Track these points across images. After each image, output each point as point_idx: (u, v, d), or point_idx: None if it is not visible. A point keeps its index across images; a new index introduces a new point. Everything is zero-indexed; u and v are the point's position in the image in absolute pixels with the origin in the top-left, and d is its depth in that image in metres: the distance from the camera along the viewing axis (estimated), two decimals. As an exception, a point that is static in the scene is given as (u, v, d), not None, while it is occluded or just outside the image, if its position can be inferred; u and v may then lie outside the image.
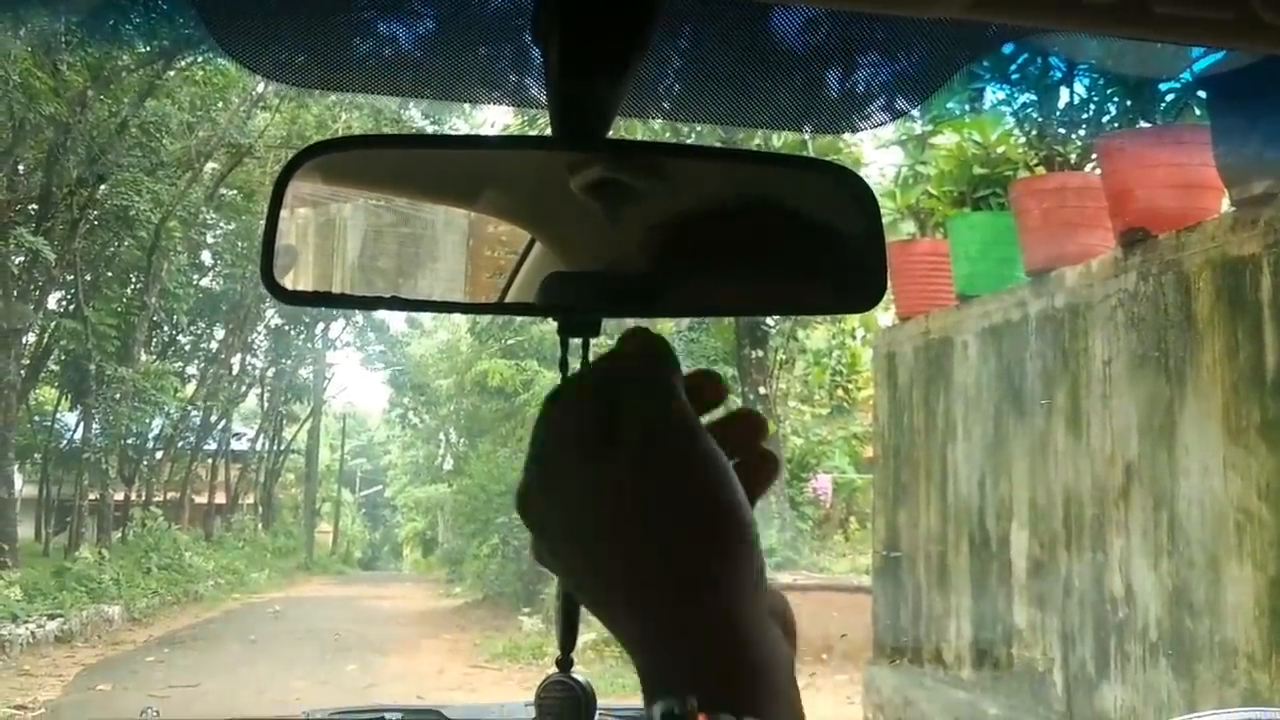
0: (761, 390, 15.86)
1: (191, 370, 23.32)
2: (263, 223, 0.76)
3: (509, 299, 0.82)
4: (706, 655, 0.59)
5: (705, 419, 0.68)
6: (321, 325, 28.54)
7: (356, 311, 27.14)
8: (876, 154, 14.96)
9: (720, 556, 0.62)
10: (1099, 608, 4.92)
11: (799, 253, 0.80)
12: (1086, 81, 5.61)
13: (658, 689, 0.59)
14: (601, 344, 0.78)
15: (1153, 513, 4.58)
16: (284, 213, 0.75)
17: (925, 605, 6.58)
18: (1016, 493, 5.64)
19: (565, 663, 0.79)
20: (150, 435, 20.52)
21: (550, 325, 0.77)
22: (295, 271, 0.78)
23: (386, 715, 2.00)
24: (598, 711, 0.72)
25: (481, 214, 0.83)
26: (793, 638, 0.65)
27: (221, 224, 21.09)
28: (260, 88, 17.25)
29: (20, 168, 14.89)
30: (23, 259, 14.65)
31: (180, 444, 22.71)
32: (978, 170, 6.63)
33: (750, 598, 0.62)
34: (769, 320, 15.70)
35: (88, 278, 16.85)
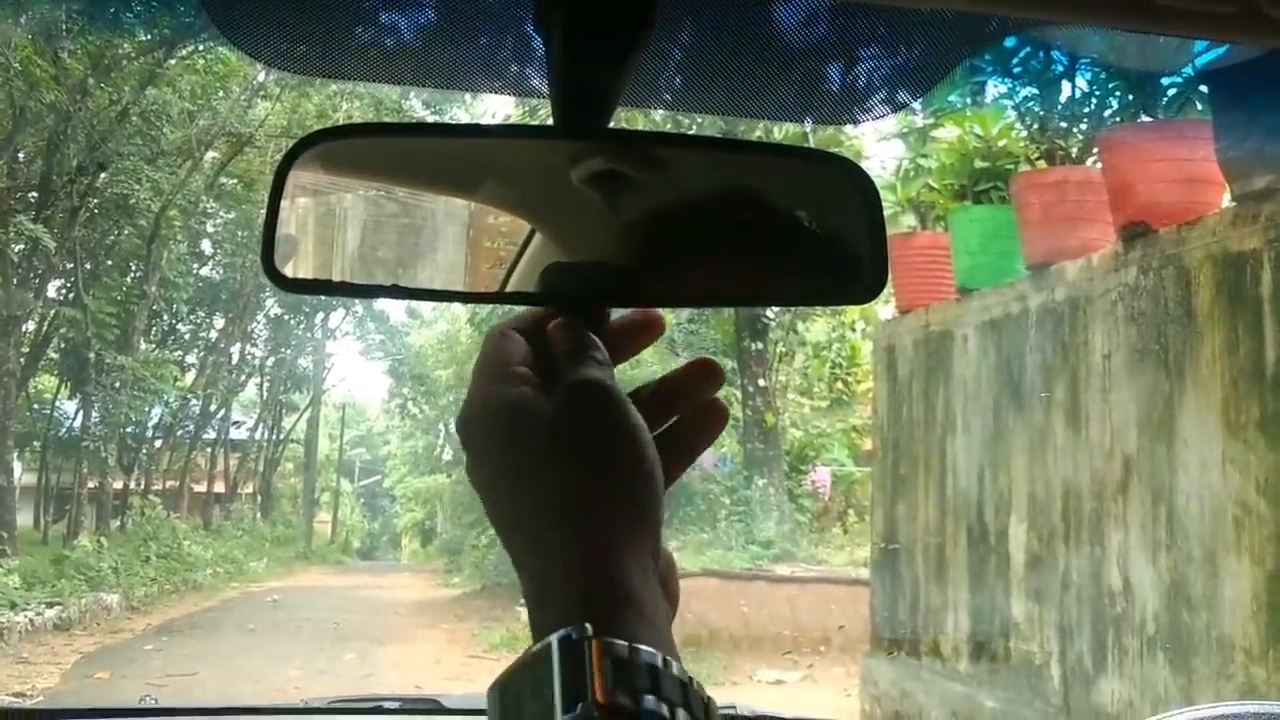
0: (761, 382, 15.88)
1: (191, 359, 23.30)
2: (263, 211, 0.76)
3: (509, 289, 0.82)
4: (589, 591, 0.63)
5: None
6: (321, 315, 28.51)
7: (356, 301, 27.16)
8: (878, 147, 14.98)
9: (613, 509, 0.67)
10: (1097, 601, 4.92)
11: (800, 244, 0.80)
12: (1088, 75, 5.60)
13: (544, 621, 0.63)
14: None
15: (1151, 507, 4.59)
16: (284, 201, 0.75)
17: (923, 598, 6.59)
18: (1015, 486, 5.64)
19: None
20: (149, 424, 20.51)
21: None
22: (295, 260, 0.78)
23: (384, 704, 2.01)
24: None
25: (482, 203, 0.83)
26: (673, 599, 0.69)
27: (221, 213, 21.04)
28: (261, 77, 17.23)
29: (20, 155, 14.87)
30: (23, 247, 14.63)
31: (179, 433, 22.70)
32: (979, 164, 6.62)
33: (638, 551, 0.66)
34: (769, 312, 15.70)
35: (87, 266, 16.84)
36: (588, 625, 0.60)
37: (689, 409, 0.75)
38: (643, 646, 0.60)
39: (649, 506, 0.67)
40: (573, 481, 0.67)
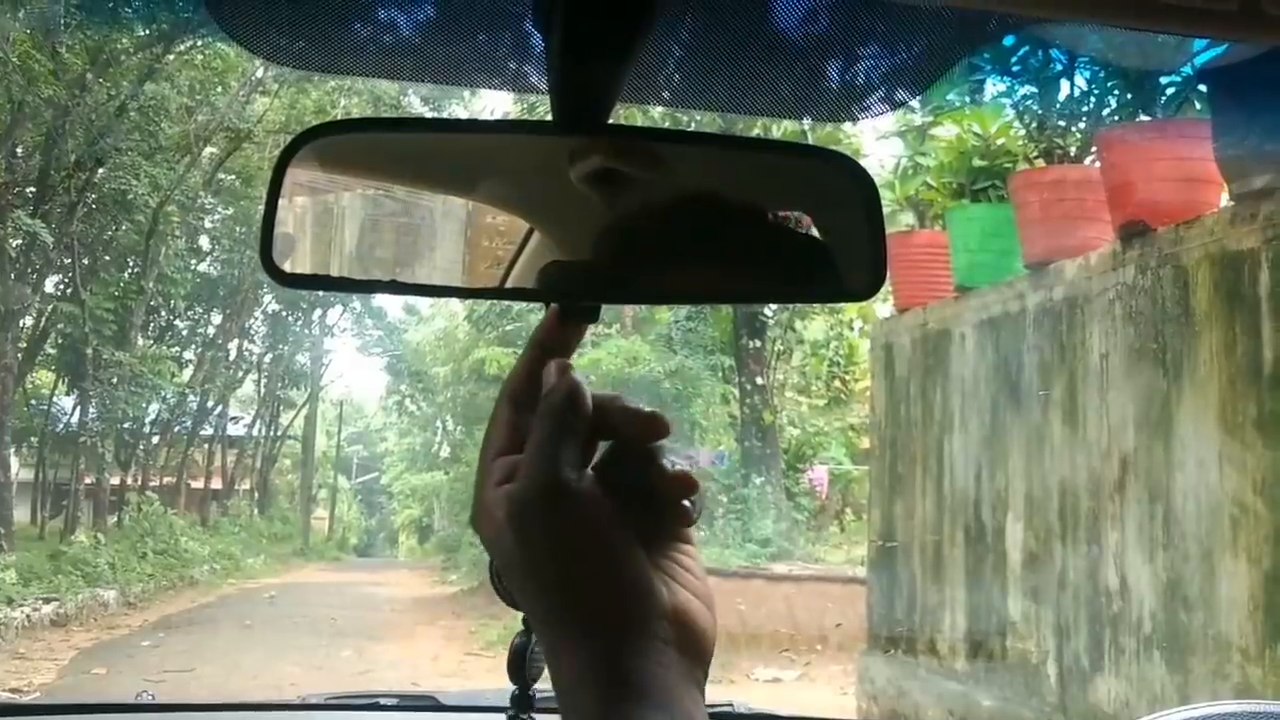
0: (759, 381, 15.88)
1: (189, 355, 23.26)
2: (261, 207, 0.76)
3: (508, 285, 0.82)
4: (600, 694, 0.68)
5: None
6: (319, 311, 28.49)
7: (354, 297, 27.15)
8: (876, 145, 15.00)
9: (599, 610, 0.71)
10: (1093, 600, 4.93)
11: (799, 241, 0.80)
12: (1087, 74, 5.60)
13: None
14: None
15: (1148, 506, 4.59)
16: (283, 195, 0.75)
17: (920, 596, 6.59)
18: (1012, 485, 5.65)
19: (523, 702, 0.84)
20: (147, 420, 20.47)
21: None
22: (294, 254, 0.78)
23: (382, 701, 2.01)
24: None
25: (481, 198, 0.83)
26: (698, 655, 0.72)
27: (220, 209, 21.03)
28: (259, 72, 17.23)
29: (19, 150, 14.85)
30: (20, 242, 14.61)
31: (177, 429, 22.67)
32: (977, 162, 6.63)
33: (636, 639, 0.70)
34: (767, 310, 15.70)
35: (85, 261, 16.81)
36: None
37: (659, 481, 0.75)
38: None
39: (631, 596, 0.71)
40: (554, 595, 0.72)
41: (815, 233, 0.80)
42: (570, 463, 0.72)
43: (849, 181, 0.78)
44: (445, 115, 17.78)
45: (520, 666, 0.86)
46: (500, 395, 0.77)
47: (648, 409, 0.76)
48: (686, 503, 0.75)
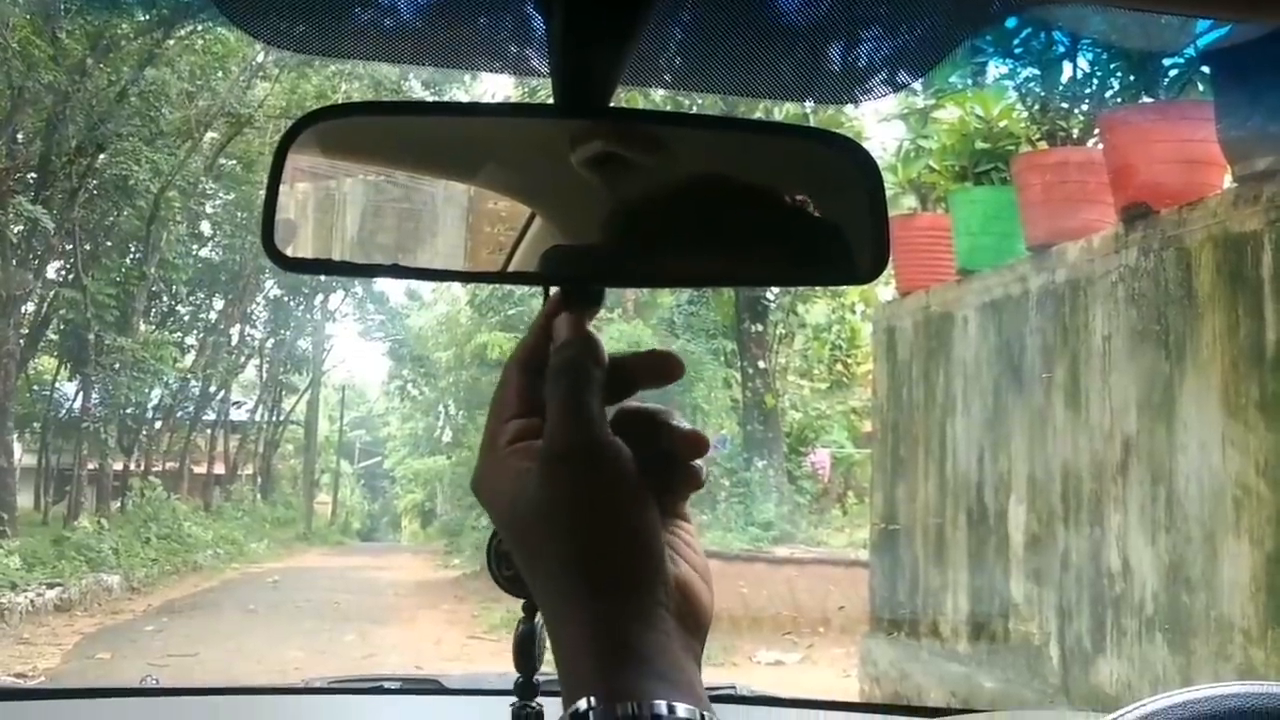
0: (761, 364, 15.87)
1: (190, 341, 23.21)
2: (262, 192, 0.76)
3: (510, 269, 0.81)
4: (599, 659, 0.67)
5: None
6: (321, 297, 28.43)
7: (356, 281, 27.13)
8: (878, 128, 14.95)
9: (610, 573, 0.69)
10: (1096, 582, 4.93)
11: (801, 224, 0.80)
12: (1090, 56, 5.59)
13: (568, 689, 0.68)
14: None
15: (1150, 488, 4.59)
16: (284, 179, 0.75)
17: (922, 579, 6.60)
18: (1015, 467, 5.65)
19: (532, 608, 0.83)
20: (149, 405, 20.46)
21: None
22: (296, 238, 0.78)
23: (385, 684, 2.01)
24: None
25: (482, 181, 0.82)
26: (700, 619, 0.72)
27: (221, 194, 20.97)
28: (260, 57, 17.18)
29: (19, 136, 14.82)
30: (22, 228, 14.60)
31: (179, 414, 22.67)
32: (980, 145, 6.61)
33: (641, 607, 0.69)
34: (769, 294, 15.69)
35: (87, 247, 16.78)
36: (591, 698, 0.65)
37: (671, 440, 0.74)
38: (658, 701, 0.65)
39: (644, 559, 0.70)
40: (568, 555, 0.70)
41: (818, 215, 0.80)
42: (602, 417, 0.71)
43: (851, 164, 0.78)
44: (446, 99, 17.73)
45: (527, 654, 0.86)
46: (509, 361, 0.77)
47: (661, 350, 0.76)
48: (698, 463, 0.74)
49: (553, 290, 0.77)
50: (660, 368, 0.75)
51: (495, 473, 0.73)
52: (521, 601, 0.81)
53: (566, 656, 0.69)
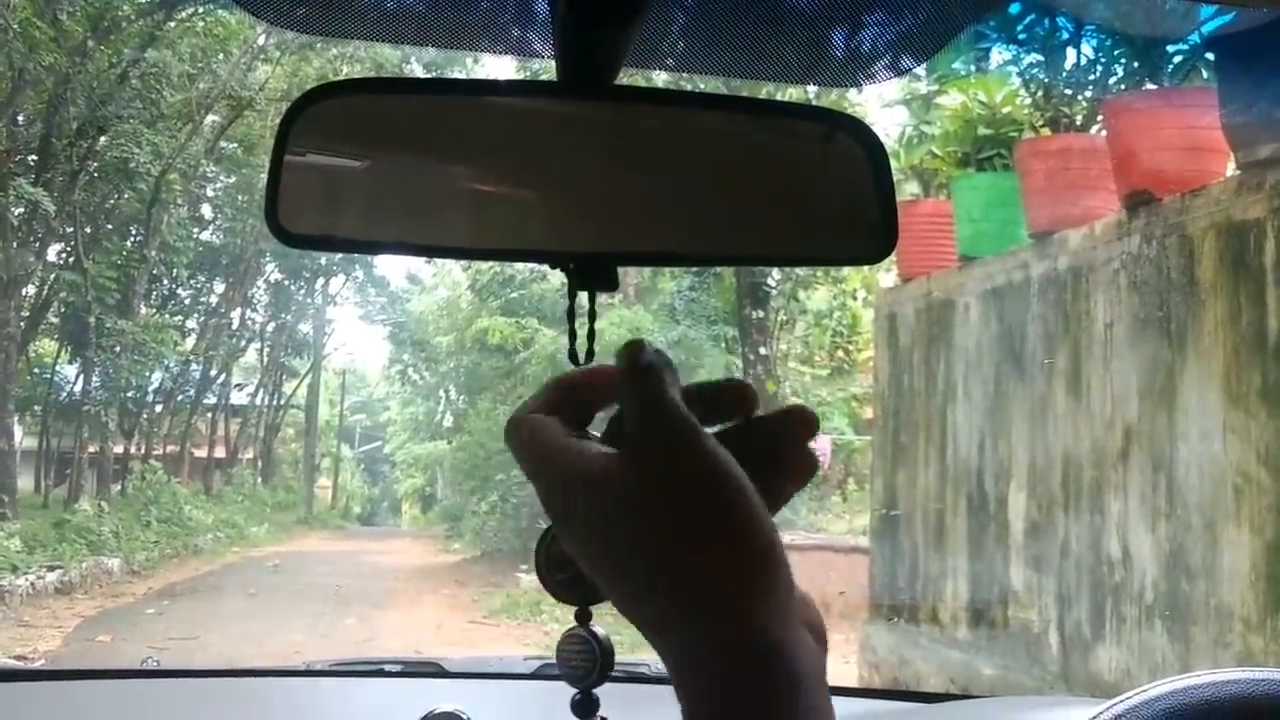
0: (762, 351, 15.87)
1: (191, 324, 23.26)
2: (264, 175, 0.76)
3: (513, 246, 0.81)
4: (740, 676, 0.57)
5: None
6: (322, 280, 28.45)
7: (356, 264, 27.13)
8: (881, 113, 14.90)
9: (739, 574, 0.59)
10: (1095, 570, 4.94)
11: (809, 203, 0.80)
12: (1093, 42, 5.58)
13: (701, 691, 0.58)
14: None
15: (1151, 476, 4.59)
16: (288, 156, 0.75)
17: (922, 565, 6.61)
18: (1015, 454, 5.65)
19: (584, 616, 0.76)
20: (150, 388, 20.50)
21: (552, 284, 0.77)
22: (300, 215, 0.77)
23: (386, 668, 2.02)
24: (616, 666, 0.72)
25: (486, 159, 0.82)
26: (824, 644, 0.62)
27: (222, 177, 20.99)
28: (261, 40, 17.17)
29: (20, 118, 14.81)
30: (22, 210, 14.59)
31: (180, 397, 22.70)
32: (982, 131, 6.59)
33: (777, 605, 0.59)
34: (770, 280, 15.68)
35: (87, 230, 16.78)
36: None
37: (778, 455, 0.66)
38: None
39: (772, 557, 0.59)
40: (688, 548, 0.59)
41: (825, 195, 0.80)
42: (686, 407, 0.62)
43: (858, 144, 0.78)
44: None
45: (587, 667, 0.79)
46: (510, 423, 0.67)
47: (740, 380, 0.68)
48: (812, 445, 0.66)
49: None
50: (740, 399, 0.66)
51: (560, 473, 0.63)
52: (575, 609, 0.75)
53: (696, 661, 0.58)
